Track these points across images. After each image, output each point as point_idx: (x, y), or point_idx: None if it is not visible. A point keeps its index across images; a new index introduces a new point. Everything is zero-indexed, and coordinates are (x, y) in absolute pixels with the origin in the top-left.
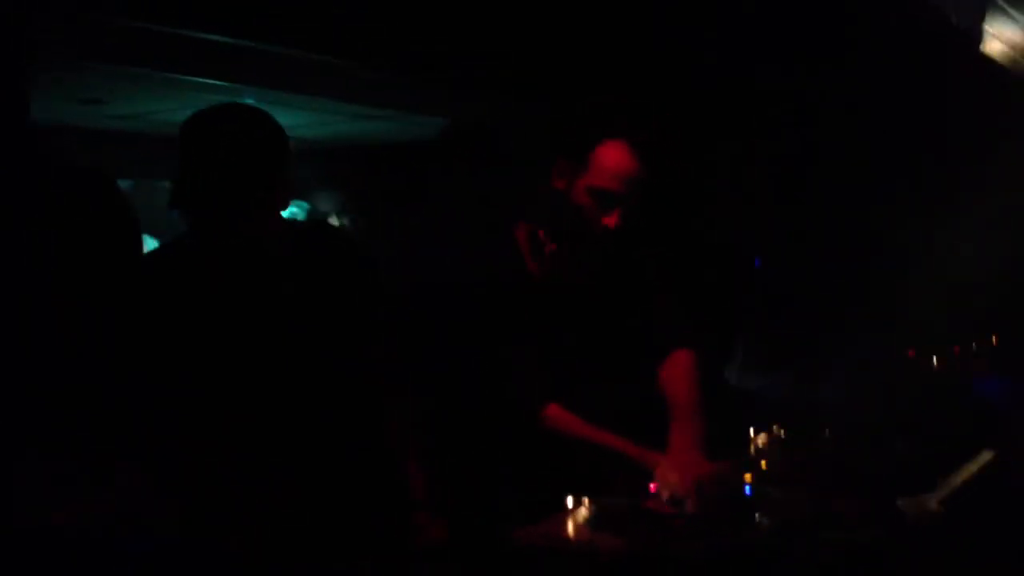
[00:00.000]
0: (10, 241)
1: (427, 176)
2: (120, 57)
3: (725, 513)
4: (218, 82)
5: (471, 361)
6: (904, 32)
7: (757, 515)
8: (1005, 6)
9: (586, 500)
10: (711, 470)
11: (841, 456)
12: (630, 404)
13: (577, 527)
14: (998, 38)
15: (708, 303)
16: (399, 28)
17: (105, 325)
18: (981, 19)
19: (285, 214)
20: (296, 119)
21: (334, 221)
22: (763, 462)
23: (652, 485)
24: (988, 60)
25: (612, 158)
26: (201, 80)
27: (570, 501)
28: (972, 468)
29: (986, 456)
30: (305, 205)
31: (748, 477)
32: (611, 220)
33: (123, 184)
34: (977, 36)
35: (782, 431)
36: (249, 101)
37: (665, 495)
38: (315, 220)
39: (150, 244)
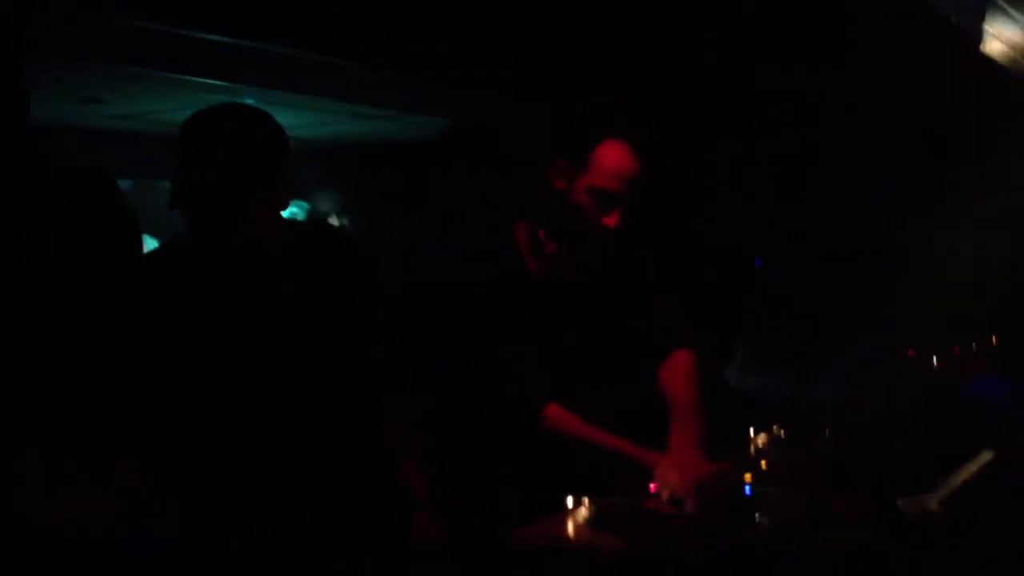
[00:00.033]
0: (10, 241)
1: (427, 176)
2: (120, 57)
3: (725, 513)
4: (218, 82)
5: (471, 361)
6: (904, 32)
7: (757, 515)
8: (1005, 6)
9: (586, 500)
10: (711, 470)
11: (841, 456)
12: (630, 404)
13: (577, 527)
14: (998, 38)
15: (708, 303)
16: (399, 28)
17: (105, 325)
18: (981, 19)
19: (285, 214)
20: (296, 119)
21: (334, 221)
22: (763, 462)
23: (652, 485)
24: (988, 60)
25: (612, 158)
26: (201, 80)
27: (570, 501)
28: (972, 468)
29: (986, 456)
30: (305, 205)
31: (748, 477)
32: (611, 220)
33: (123, 184)
34: (977, 36)
35: (782, 431)
36: (249, 101)
37: (665, 495)
38: (315, 220)
39: (150, 244)
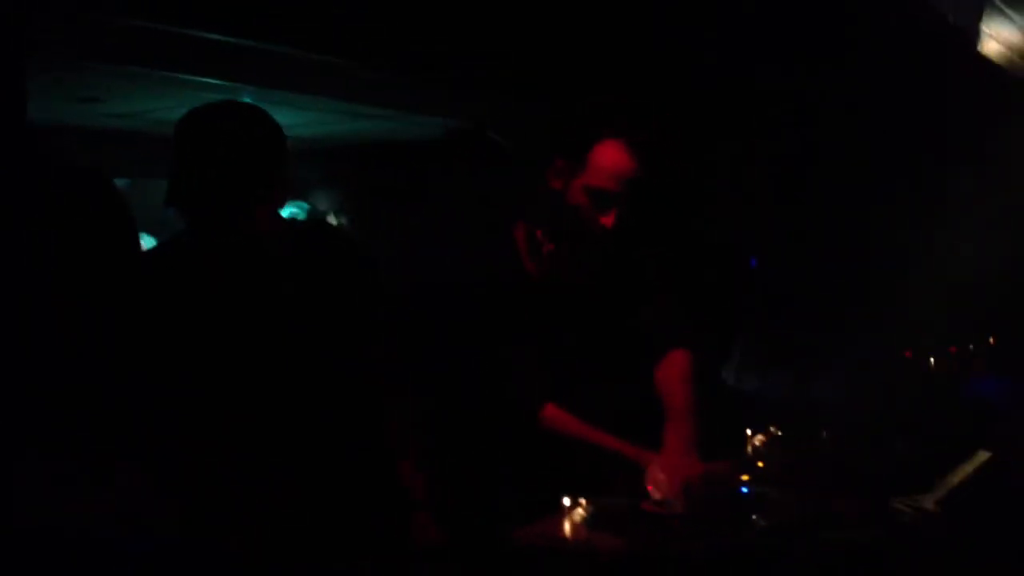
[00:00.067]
0: (7, 241)
1: (427, 176)
2: (118, 56)
3: (717, 513)
4: (217, 81)
5: (470, 361)
6: (904, 32)
7: (754, 515)
8: (1002, 7)
9: (584, 500)
10: (701, 471)
11: (839, 456)
12: (628, 404)
13: (575, 527)
14: (995, 39)
15: (708, 303)
16: (399, 28)
17: (104, 324)
18: (978, 19)
19: (285, 214)
20: (296, 118)
21: (333, 221)
22: (760, 462)
23: (649, 486)
24: (986, 60)
25: (609, 158)
26: (201, 79)
27: (567, 501)
28: (968, 468)
29: (982, 456)
30: (305, 205)
31: (745, 477)
32: (608, 220)
33: (120, 182)
34: (974, 36)
35: (779, 431)
36: (247, 100)
37: (657, 495)
38: (315, 220)
39: (148, 243)
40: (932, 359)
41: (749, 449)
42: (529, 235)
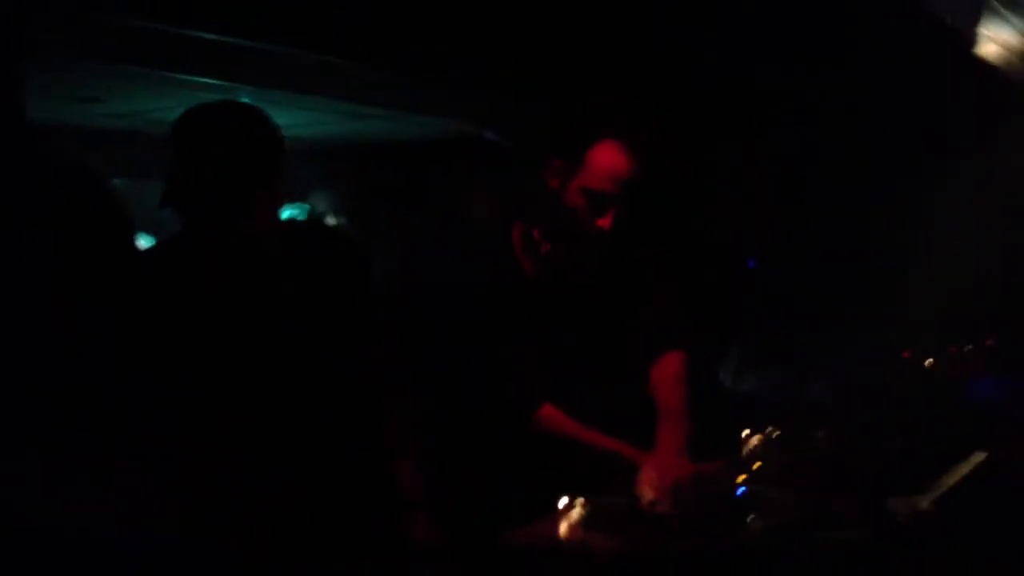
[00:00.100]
0: (5, 240)
1: (426, 176)
2: (118, 56)
3: (707, 514)
4: (217, 81)
5: (469, 361)
6: (904, 32)
7: (750, 516)
8: (1000, 9)
9: (580, 500)
10: (691, 472)
11: (837, 457)
12: (625, 404)
13: (571, 527)
14: (994, 41)
15: (707, 303)
16: (399, 28)
17: (104, 324)
18: (976, 22)
19: (285, 215)
20: (295, 118)
21: (332, 221)
22: (758, 463)
23: (640, 486)
24: (984, 62)
25: (606, 159)
26: (200, 79)
27: (564, 501)
28: (964, 469)
29: (978, 457)
30: (306, 206)
31: (742, 478)
32: (604, 221)
33: (117, 182)
34: (972, 38)
35: (777, 431)
36: (246, 100)
37: (648, 496)
38: (314, 220)
39: (146, 243)
40: (930, 359)
41: (746, 449)
42: (526, 235)
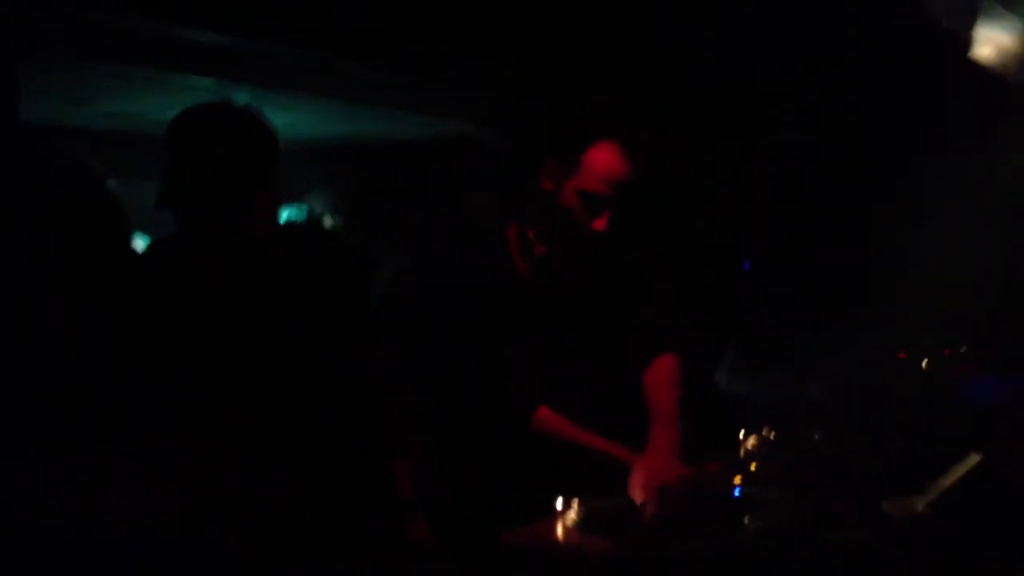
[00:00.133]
0: (3, 240)
1: (425, 176)
2: (117, 56)
3: (695, 516)
4: (216, 81)
5: (467, 362)
6: (903, 33)
7: (747, 517)
8: (996, 12)
9: (575, 502)
10: (681, 474)
11: (835, 457)
12: (621, 406)
13: (566, 529)
14: (990, 43)
15: (707, 304)
16: (399, 28)
17: (103, 323)
18: (972, 24)
19: (285, 215)
20: (295, 119)
21: (331, 221)
22: (753, 464)
23: (631, 488)
24: (980, 64)
25: (602, 161)
26: (200, 79)
27: (559, 503)
28: (960, 471)
29: (974, 459)
30: (305, 207)
31: (738, 479)
32: (600, 224)
33: (112, 183)
34: (968, 40)
35: (775, 432)
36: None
37: (638, 498)
38: (314, 220)
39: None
40: (928, 360)
41: (743, 450)
42: (521, 236)
